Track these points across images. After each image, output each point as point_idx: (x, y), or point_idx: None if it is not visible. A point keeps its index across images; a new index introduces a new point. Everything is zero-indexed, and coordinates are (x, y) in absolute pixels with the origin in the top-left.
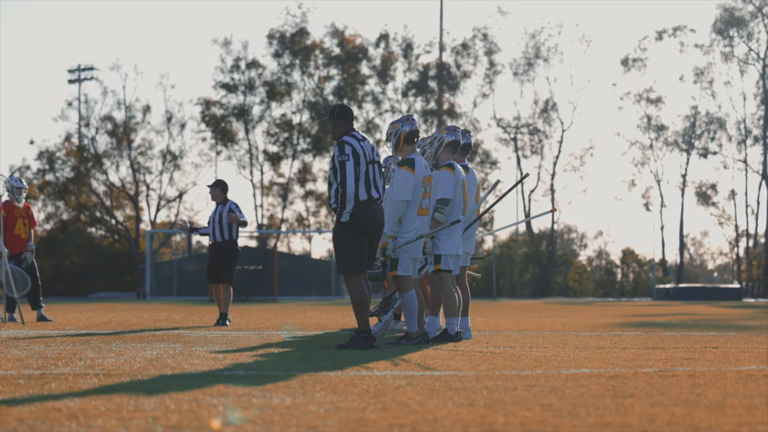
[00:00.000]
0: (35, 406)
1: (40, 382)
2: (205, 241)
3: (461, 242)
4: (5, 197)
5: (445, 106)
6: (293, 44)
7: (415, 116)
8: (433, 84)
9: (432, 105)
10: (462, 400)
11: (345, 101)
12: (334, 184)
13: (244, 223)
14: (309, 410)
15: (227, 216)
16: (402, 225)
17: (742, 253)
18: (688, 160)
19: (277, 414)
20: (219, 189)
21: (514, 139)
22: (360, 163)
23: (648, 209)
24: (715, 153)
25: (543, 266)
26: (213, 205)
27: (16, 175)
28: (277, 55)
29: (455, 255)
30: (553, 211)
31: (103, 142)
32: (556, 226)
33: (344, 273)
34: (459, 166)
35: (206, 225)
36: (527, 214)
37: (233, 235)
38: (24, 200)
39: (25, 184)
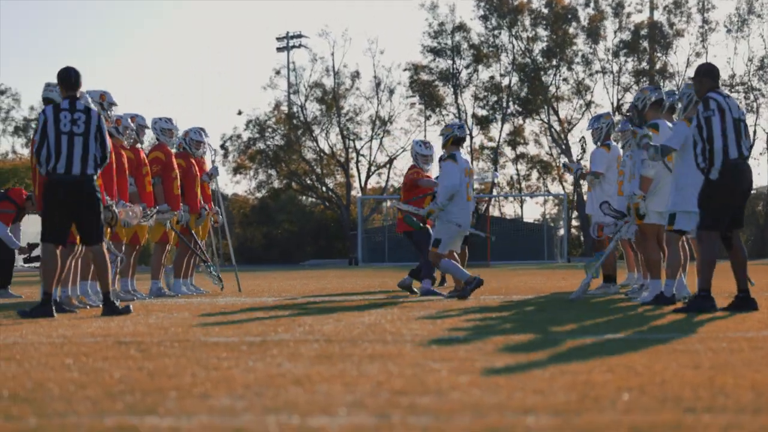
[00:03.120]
0: (259, 372)
1: (262, 348)
2: None
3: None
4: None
5: (658, 66)
6: (501, 6)
7: (626, 78)
8: (644, 43)
9: (644, 65)
10: (687, 362)
11: (554, 62)
12: (699, 143)
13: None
14: (534, 374)
15: None
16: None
17: None
18: None
19: (503, 378)
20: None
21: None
22: (726, 119)
23: None
24: None
25: (759, 227)
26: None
27: (228, 144)
28: (484, 17)
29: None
30: None
31: (313, 109)
32: None
33: (704, 229)
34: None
35: None
36: None
37: None
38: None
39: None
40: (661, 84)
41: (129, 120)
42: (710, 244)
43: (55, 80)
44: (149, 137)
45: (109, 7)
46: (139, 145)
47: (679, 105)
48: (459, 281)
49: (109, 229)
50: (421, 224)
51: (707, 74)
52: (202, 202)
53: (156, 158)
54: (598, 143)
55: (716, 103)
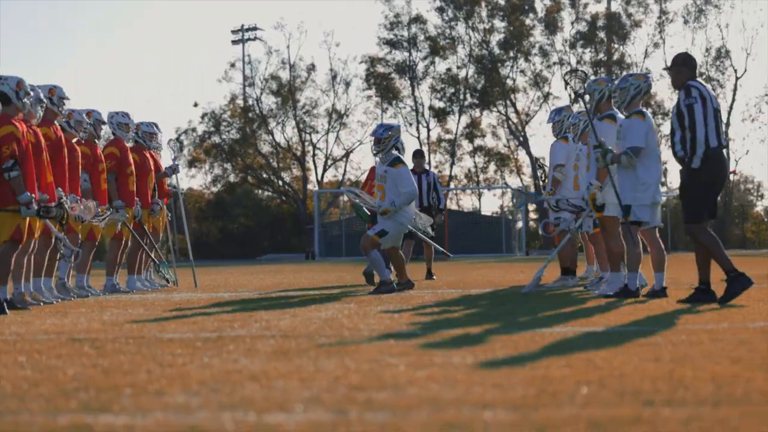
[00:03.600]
0: (215, 368)
1: (218, 344)
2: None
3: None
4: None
5: (615, 57)
6: None
7: (583, 69)
8: (602, 34)
9: (601, 56)
10: (647, 355)
11: (511, 54)
12: (678, 131)
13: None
14: (492, 368)
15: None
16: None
17: None
18: None
19: (460, 373)
20: (423, 159)
21: None
22: (707, 107)
23: None
24: None
25: (719, 218)
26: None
27: (183, 138)
28: (440, 9)
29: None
30: (732, 172)
31: (269, 102)
32: (732, 176)
33: (692, 221)
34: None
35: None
36: None
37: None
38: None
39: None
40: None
41: (84, 115)
42: (706, 232)
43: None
44: (106, 132)
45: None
46: (96, 141)
47: (616, 97)
48: (401, 276)
49: (61, 225)
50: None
51: (685, 64)
52: (157, 197)
53: (111, 154)
54: (557, 136)
55: (698, 91)
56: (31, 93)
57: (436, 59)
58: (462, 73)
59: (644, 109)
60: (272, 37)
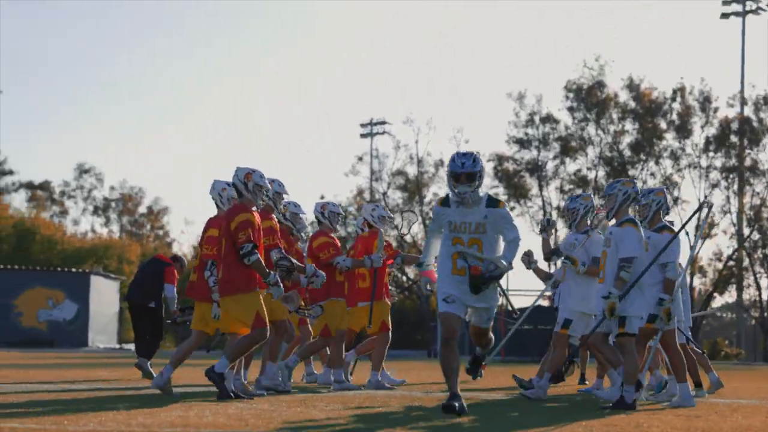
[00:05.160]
0: None
1: None
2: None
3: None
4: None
5: (747, 163)
6: (588, 98)
7: (714, 174)
8: (734, 139)
9: (733, 161)
10: None
11: (641, 156)
12: None
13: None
14: None
15: None
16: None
17: None
18: None
19: None
20: None
21: None
22: None
23: None
24: None
25: None
26: None
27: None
28: (572, 109)
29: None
30: None
31: (395, 197)
32: None
33: None
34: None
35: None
36: None
37: None
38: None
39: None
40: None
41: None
42: None
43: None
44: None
45: (186, 82)
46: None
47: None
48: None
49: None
50: None
51: None
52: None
53: (325, 243)
54: (570, 226)
55: None
56: (266, 185)
57: (566, 159)
58: (591, 175)
59: (634, 217)
60: (401, 131)
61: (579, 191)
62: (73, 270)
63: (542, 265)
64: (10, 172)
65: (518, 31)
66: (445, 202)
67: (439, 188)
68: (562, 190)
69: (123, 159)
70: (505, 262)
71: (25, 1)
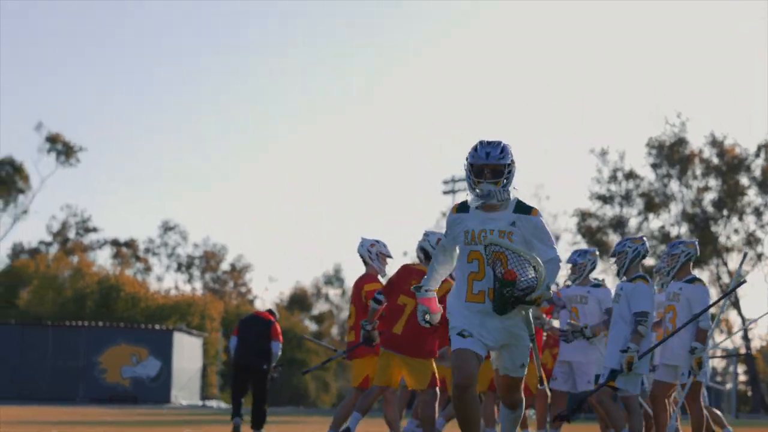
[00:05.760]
0: None
1: None
2: None
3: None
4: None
5: None
6: (671, 154)
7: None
8: None
9: None
10: None
11: (725, 213)
12: None
13: None
14: None
15: None
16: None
17: None
18: None
19: None
20: None
21: None
22: None
23: None
24: None
25: None
26: None
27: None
28: (654, 165)
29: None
30: None
31: None
32: None
33: None
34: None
35: None
36: None
37: None
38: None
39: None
40: None
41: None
42: None
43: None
44: None
45: (267, 142)
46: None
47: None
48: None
49: None
50: None
51: None
52: None
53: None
54: (575, 281)
55: None
56: (389, 254)
57: (650, 215)
58: (674, 231)
59: (645, 273)
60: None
61: (663, 248)
62: (157, 327)
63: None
64: (95, 230)
65: (599, 87)
66: (462, 207)
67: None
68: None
69: (207, 216)
70: (546, 291)
71: (107, 64)
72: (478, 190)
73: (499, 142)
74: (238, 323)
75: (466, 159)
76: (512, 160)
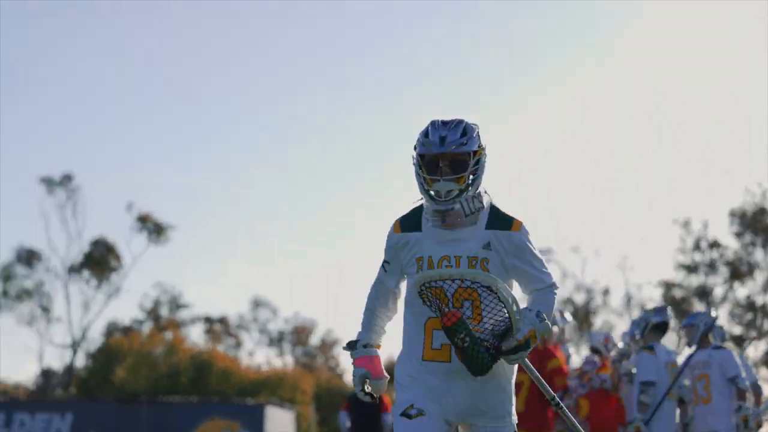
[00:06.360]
0: None
1: None
2: None
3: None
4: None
5: None
6: (754, 223)
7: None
8: None
9: None
10: None
11: None
12: None
13: None
14: None
15: None
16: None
17: None
18: None
19: None
20: None
21: None
22: None
23: None
24: None
25: None
26: None
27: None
28: (738, 234)
29: None
30: None
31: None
32: None
33: None
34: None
35: None
36: None
37: None
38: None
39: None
40: None
41: None
42: None
43: None
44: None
45: (343, 217)
46: None
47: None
48: None
49: None
50: None
51: None
52: None
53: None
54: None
55: None
56: None
57: (735, 284)
58: (760, 300)
59: (656, 344)
60: (567, 259)
61: (749, 316)
62: (249, 401)
63: None
64: (186, 306)
65: (681, 158)
66: (409, 222)
67: (606, 315)
68: (732, 315)
69: (296, 291)
70: (538, 323)
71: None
72: (432, 192)
73: (461, 121)
74: (347, 398)
75: (414, 148)
76: (480, 146)
